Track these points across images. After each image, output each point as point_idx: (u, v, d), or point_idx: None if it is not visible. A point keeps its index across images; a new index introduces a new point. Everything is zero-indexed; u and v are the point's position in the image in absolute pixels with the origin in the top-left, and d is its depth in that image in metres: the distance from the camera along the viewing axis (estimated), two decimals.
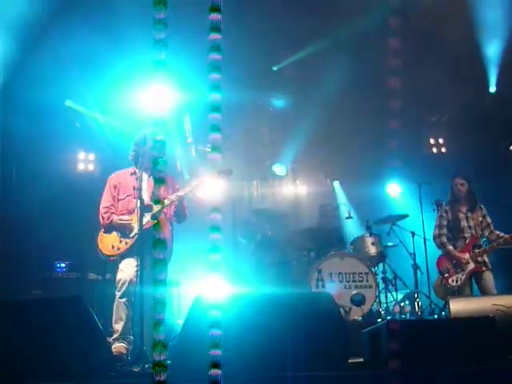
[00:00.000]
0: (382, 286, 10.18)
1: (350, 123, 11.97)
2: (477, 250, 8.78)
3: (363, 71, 11.44)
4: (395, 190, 12.74)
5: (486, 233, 8.96)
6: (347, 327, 5.27)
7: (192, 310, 5.35)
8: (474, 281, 8.80)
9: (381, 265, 10.35)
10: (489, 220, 9.03)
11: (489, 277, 8.72)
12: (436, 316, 9.27)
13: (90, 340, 5.13)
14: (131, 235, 6.81)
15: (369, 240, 10.17)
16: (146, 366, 5.82)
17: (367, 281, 9.50)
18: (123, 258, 6.87)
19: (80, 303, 5.40)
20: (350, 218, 11.04)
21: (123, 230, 6.90)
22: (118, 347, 6.54)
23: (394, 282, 10.34)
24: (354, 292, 9.36)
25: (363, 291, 9.38)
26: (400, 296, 10.38)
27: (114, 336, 6.65)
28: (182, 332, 5.57)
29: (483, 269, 8.72)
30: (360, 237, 10.34)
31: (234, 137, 11.64)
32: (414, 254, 10.44)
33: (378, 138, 11.90)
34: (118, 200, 7.11)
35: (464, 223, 8.98)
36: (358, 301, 9.30)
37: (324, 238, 10.17)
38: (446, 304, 7.71)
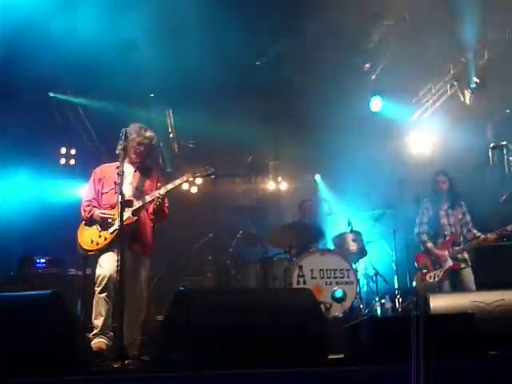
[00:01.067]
0: (362, 282, 10.22)
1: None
2: (456, 248, 8.84)
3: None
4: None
5: (465, 231, 8.99)
6: (327, 323, 5.26)
7: (172, 305, 5.34)
8: (451, 279, 8.84)
9: (362, 261, 10.39)
10: (468, 218, 9.04)
11: (468, 274, 8.77)
12: (417, 313, 9.29)
13: (69, 336, 5.10)
14: (111, 230, 6.76)
15: (350, 236, 10.20)
16: (126, 362, 5.79)
17: (348, 277, 9.51)
18: (102, 253, 6.80)
19: (59, 299, 5.37)
20: (330, 213, 11.08)
21: (104, 225, 6.81)
22: (97, 343, 6.51)
23: (374, 278, 10.37)
24: (334, 288, 9.37)
25: (344, 287, 9.39)
26: (381, 293, 10.41)
27: (94, 332, 6.61)
28: (162, 327, 5.56)
29: (462, 266, 8.79)
30: (341, 233, 10.36)
31: (217, 133, 11.63)
32: (395, 250, 10.46)
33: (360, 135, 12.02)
34: (102, 193, 7.01)
35: (444, 220, 9.01)
36: (339, 297, 9.32)
37: (305, 235, 10.18)
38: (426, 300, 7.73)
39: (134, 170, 7.07)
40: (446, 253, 8.86)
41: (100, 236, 6.81)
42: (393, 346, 5.01)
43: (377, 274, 10.42)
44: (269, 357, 4.75)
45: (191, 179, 7.32)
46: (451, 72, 11.88)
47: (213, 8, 9.61)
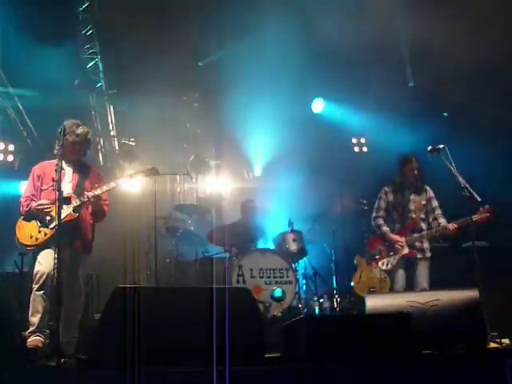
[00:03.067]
0: (302, 282, 10.31)
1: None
2: (414, 235, 8.38)
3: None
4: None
5: (430, 218, 8.51)
6: (264, 322, 5.30)
7: (110, 303, 5.30)
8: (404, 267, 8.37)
9: (301, 261, 10.46)
10: (434, 204, 8.57)
11: (423, 267, 8.34)
12: (354, 312, 9.41)
13: (3, 333, 5.03)
14: (51, 226, 6.69)
15: (290, 236, 10.26)
16: (62, 360, 5.73)
17: (287, 277, 9.59)
18: (41, 250, 6.73)
19: None
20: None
21: (43, 220, 6.75)
22: (33, 340, 6.44)
23: (313, 278, 10.46)
24: (274, 288, 9.43)
25: (283, 287, 9.47)
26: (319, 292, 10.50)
27: (31, 329, 6.54)
28: (99, 326, 5.52)
29: (418, 256, 8.34)
30: (281, 233, 10.42)
31: (158, 132, 11.59)
32: (334, 250, 10.56)
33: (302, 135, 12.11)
34: (41, 190, 6.95)
35: (406, 206, 8.51)
36: (278, 297, 9.38)
37: (246, 234, 10.23)
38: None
39: (72, 167, 7.04)
40: (403, 239, 8.37)
41: (40, 231, 6.75)
42: (329, 345, 5.07)
43: (316, 273, 10.52)
44: (205, 356, 4.76)
45: (131, 178, 7.36)
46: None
47: None
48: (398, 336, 5.32)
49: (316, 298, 10.11)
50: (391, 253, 8.45)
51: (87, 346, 6.46)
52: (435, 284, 8.20)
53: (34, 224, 6.79)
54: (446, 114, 11.92)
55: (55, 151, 6.88)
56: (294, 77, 11.78)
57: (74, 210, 6.74)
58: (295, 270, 9.77)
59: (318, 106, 13.07)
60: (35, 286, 6.62)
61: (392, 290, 8.34)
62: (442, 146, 7.47)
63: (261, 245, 10.33)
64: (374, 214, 8.75)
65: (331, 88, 12.43)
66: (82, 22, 10.52)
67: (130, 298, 5.10)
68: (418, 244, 8.40)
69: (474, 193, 7.17)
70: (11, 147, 11.82)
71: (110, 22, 10.46)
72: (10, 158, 11.80)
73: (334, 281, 10.36)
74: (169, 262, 10.42)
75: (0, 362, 4.68)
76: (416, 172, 8.49)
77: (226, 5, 10.78)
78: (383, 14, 10.21)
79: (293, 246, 10.19)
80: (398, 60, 11.64)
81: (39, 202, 6.79)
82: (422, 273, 8.31)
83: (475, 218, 7.76)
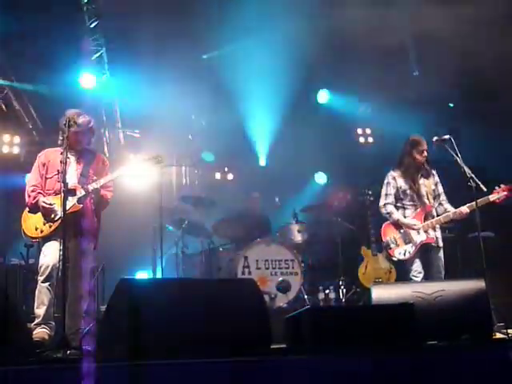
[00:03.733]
0: (307, 273, 10.31)
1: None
2: (430, 221, 7.90)
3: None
4: (322, 179, 12.93)
5: (436, 204, 8.10)
6: (270, 313, 5.28)
7: (115, 295, 5.30)
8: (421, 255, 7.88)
9: (306, 252, 10.47)
10: (440, 189, 8.17)
11: (440, 254, 7.89)
12: (360, 303, 9.42)
13: (9, 325, 5.04)
14: (56, 218, 6.71)
15: (295, 227, 10.27)
16: (68, 352, 5.75)
17: (293, 268, 9.60)
18: (46, 241, 6.77)
19: None
20: (278, 205, 11.16)
21: (48, 214, 6.78)
22: (39, 333, 6.46)
23: (319, 269, 10.47)
24: (279, 279, 9.44)
25: (289, 278, 9.48)
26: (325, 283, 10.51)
27: (36, 321, 6.57)
28: (104, 317, 5.52)
29: (433, 244, 7.88)
30: (286, 224, 10.43)
31: (163, 123, 11.58)
32: (339, 242, 10.54)
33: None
34: (46, 178, 6.99)
35: (416, 191, 8.06)
36: (284, 288, 9.39)
37: (251, 225, 10.23)
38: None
39: (76, 156, 7.09)
40: (419, 223, 7.91)
41: (45, 223, 6.78)
42: (334, 336, 5.07)
43: (321, 264, 10.52)
44: (211, 347, 4.76)
45: (135, 168, 7.38)
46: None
47: None
48: (403, 326, 5.31)
49: (321, 289, 10.11)
50: (407, 240, 7.89)
51: (93, 337, 6.46)
52: None
53: (40, 216, 6.83)
54: (451, 105, 11.86)
55: (59, 142, 7.00)
56: (300, 67, 11.75)
57: (78, 201, 6.77)
58: (300, 261, 9.77)
59: (323, 96, 13.07)
60: (40, 278, 6.66)
61: (409, 280, 7.77)
62: (447, 137, 7.43)
63: (266, 236, 10.31)
64: (382, 202, 8.21)
65: (336, 79, 12.40)
66: (87, 14, 10.47)
67: (134, 289, 5.11)
68: (431, 231, 7.92)
69: (479, 183, 7.14)
70: (16, 139, 11.84)
71: (115, 13, 10.41)
72: (16, 150, 11.82)
73: (340, 272, 10.34)
74: (174, 253, 10.42)
75: (7, 354, 4.68)
76: (425, 154, 8.01)
77: None
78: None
79: (298, 237, 10.21)
80: (402, 48, 11.54)
81: (45, 200, 6.81)
82: (440, 261, 7.85)
83: (492, 197, 7.57)
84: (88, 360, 5.12)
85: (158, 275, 10.19)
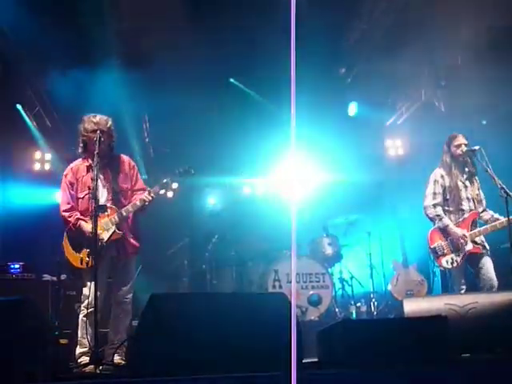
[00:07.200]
0: (338, 286, 10.28)
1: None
2: (477, 229, 7.44)
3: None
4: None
5: (480, 210, 7.63)
6: (302, 327, 5.26)
7: (147, 310, 5.32)
8: (468, 265, 7.51)
9: (337, 265, 10.44)
10: (482, 195, 7.72)
11: (489, 262, 7.43)
12: (392, 316, 9.35)
13: (41, 342, 5.07)
14: (99, 248, 6.42)
15: (325, 240, 10.25)
16: (101, 367, 5.77)
17: (324, 281, 9.59)
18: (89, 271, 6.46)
19: (30, 305, 5.31)
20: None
21: (91, 245, 6.37)
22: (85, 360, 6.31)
23: (350, 282, 10.43)
24: (310, 292, 9.42)
25: (320, 291, 9.46)
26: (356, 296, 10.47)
27: (82, 350, 6.44)
28: (137, 332, 5.54)
29: (483, 251, 7.44)
30: (317, 237, 10.41)
31: (194, 140, 11.64)
32: (370, 254, 10.51)
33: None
34: (77, 199, 6.74)
35: (462, 193, 7.58)
36: (315, 301, 9.38)
37: (281, 239, 10.22)
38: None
39: (102, 166, 6.59)
40: (467, 233, 7.43)
41: (89, 255, 6.49)
42: (366, 349, 5.04)
43: (352, 277, 10.49)
44: (243, 361, 4.75)
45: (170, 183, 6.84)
46: (425, 77, 11.98)
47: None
48: (436, 339, 5.26)
49: (353, 302, 10.08)
50: (454, 249, 7.42)
51: (127, 352, 6.47)
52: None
53: (84, 250, 6.57)
54: (484, 122, 11.71)
55: (80, 150, 6.80)
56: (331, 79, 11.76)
57: (118, 228, 6.58)
58: (331, 275, 9.74)
59: (353, 109, 13.05)
60: (84, 311, 6.49)
61: (450, 291, 7.61)
62: (477, 148, 7.37)
63: (297, 250, 10.28)
64: (430, 202, 7.62)
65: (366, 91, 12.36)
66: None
67: (166, 304, 5.12)
68: (478, 240, 7.45)
69: (510, 193, 7.05)
70: (48, 156, 11.96)
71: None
72: (47, 166, 11.94)
73: (371, 284, 10.30)
74: (205, 267, 10.45)
75: (38, 370, 4.71)
76: (464, 149, 7.54)
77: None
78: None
79: (328, 250, 10.19)
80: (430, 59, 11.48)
81: (87, 229, 6.50)
82: (490, 269, 7.38)
83: None
84: (120, 376, 5.15)
85: (189, 290, 10.24)
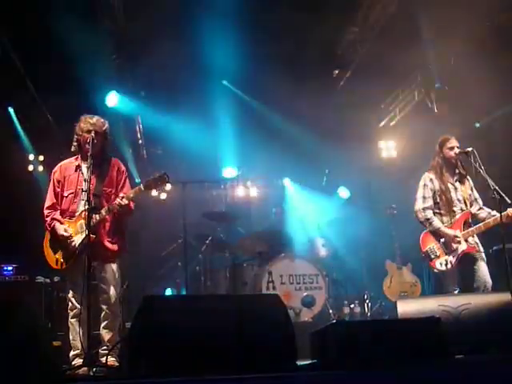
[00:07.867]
0: (332, 287, 10.28)
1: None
2: (470, 229, 7.42)
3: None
4: (345, 194, 12.88)
5: (475, 209, 7.63)
6: (294, 329, 5.26)
7: (140, 311, 5.32)
8: (462, 266, 7.40)
9: (331, 266, 10.44)
10: (476, 194, 7.73)
11: (483, 262, 7.41)
12: (386, 317, 9.37)
13: (34, 344, 5.05)
14: (74, 250, 6.51)
15: (319, 242, 10.26)
16: (94, 369, 5.76)
17: (317, 282, 9.58)
18: (69, 273, 6.67)
19: (23, 307, 5.29)
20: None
21: (67, 248, 6.56)
22: (79, 362, 6.33)
23: (343, 283, 10.43)
24: (304, 294, 9.41)
25: (313, 293, 9.45)
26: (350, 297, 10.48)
27: (75, 352, 6.50)
28: (130, 334, 5.53)
29: (476, 252, 7.42)
30: (310, 239, 10.42)
31: (186, 139, 11.63)
32: (364, 256, 10.53)
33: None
34: (62, 197, 6.77)
35: (453, 195, 7.61)
36: (308, 302, 9.37)
37: (275, 241, 10.22)
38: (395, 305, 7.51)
39: (89, 167, 6.50)
40: (459, 233, 7.41)
41: (64, 256, 6.59)
42: (360, 351, 5.04)
43: (346, 279, 10.49)
44: (236, 363, 4.75)
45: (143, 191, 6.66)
46: (418, 79, 12.00)
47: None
48: (429, 340, 5.27)
49: (346, 303, 10.08)
50: (448, 250, 7.39)
51: (120, 353, 6.47)
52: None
53: (59, 252, 6.64)
54: (478, 125, 11.72)
55: (72, 148, 6.82)
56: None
57: (92, 232, 6.35)
58: (325, 276, 9.74)
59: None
60: (70, 313, 6.59)
61: (445, 293, 7.35)
62: (470, 149, 7.36)
63: (290, 251, 10.29)
64: (419, 206, 7.62)
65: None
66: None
67: (159, 305, 5.12)
68: (471, 239, 7.45)
69: (503, 195, 7.04)
70: (41, 158, 11.93)
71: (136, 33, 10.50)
72: (41, 168, 11.91)
73: (365, 286, 10.30)
74: (198, 269, 10.44)
75: (32, 373, 4.69)
76: (457, 151, 7.54)
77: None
78: None
79: (322, 252, 10.21)
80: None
81: (64, 234, 6.55)
82: (484, 270, 7.35)
83: None
84: (113, 377, 5.14)
85: (183, 291, 10.23)
